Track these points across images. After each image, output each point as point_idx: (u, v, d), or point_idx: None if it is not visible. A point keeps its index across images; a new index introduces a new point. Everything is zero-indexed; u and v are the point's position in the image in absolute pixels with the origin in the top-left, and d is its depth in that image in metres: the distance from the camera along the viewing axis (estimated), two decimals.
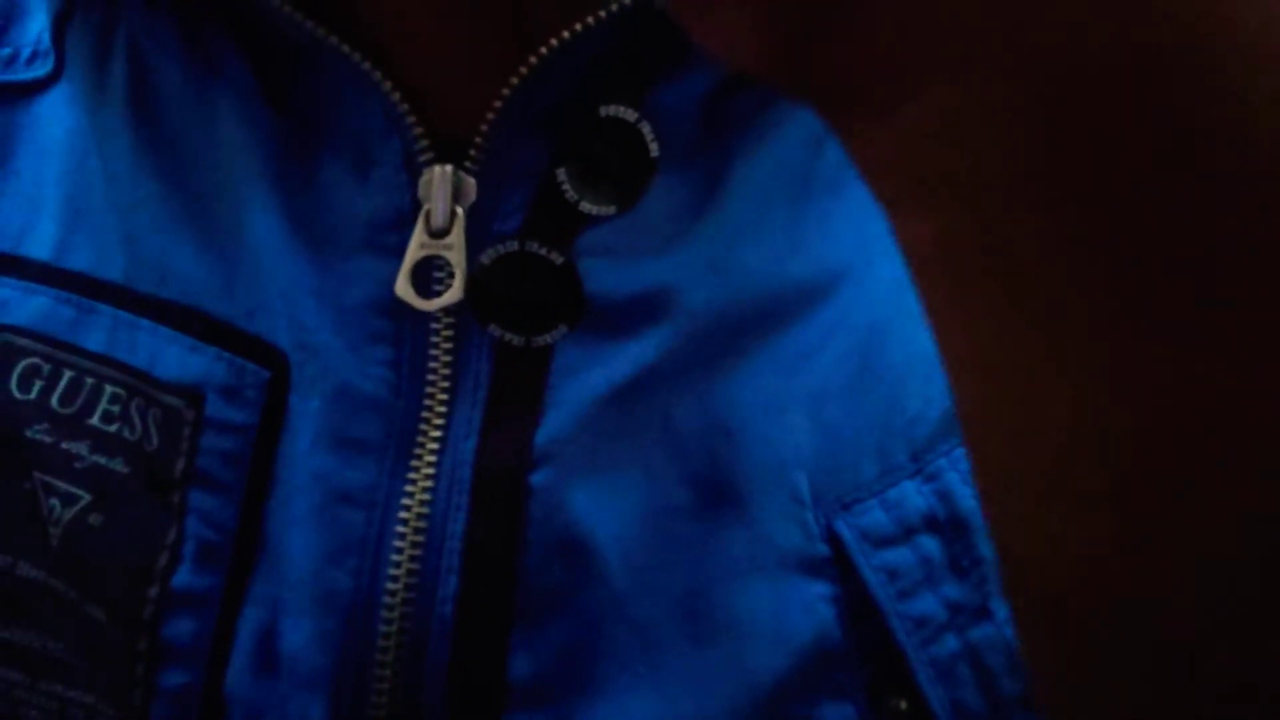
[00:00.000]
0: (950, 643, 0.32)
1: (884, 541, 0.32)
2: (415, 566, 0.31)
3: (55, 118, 0.35)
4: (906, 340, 0.32)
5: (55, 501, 0.32)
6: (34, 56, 0.36)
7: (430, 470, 0.32)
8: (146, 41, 0.34)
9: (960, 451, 0.32)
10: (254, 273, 0.33)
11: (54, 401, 0.33)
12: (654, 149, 0.32)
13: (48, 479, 0.33)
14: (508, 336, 0.32)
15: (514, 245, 0.32)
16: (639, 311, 0.32)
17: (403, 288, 0.31)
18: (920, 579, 0.32)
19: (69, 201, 0.34)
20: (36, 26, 0.36)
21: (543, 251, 0.31)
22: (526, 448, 0.32)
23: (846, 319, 0.33)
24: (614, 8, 0.30)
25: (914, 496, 0.32)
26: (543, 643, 0.32)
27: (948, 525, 0.32)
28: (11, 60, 0.36)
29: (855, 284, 0.33)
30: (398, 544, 0.32)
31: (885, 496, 0.32)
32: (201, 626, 0.32)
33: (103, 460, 0.33)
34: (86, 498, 0.32)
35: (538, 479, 0.31)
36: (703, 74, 0.32)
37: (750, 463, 0.32)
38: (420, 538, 0.32)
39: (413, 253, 0.32)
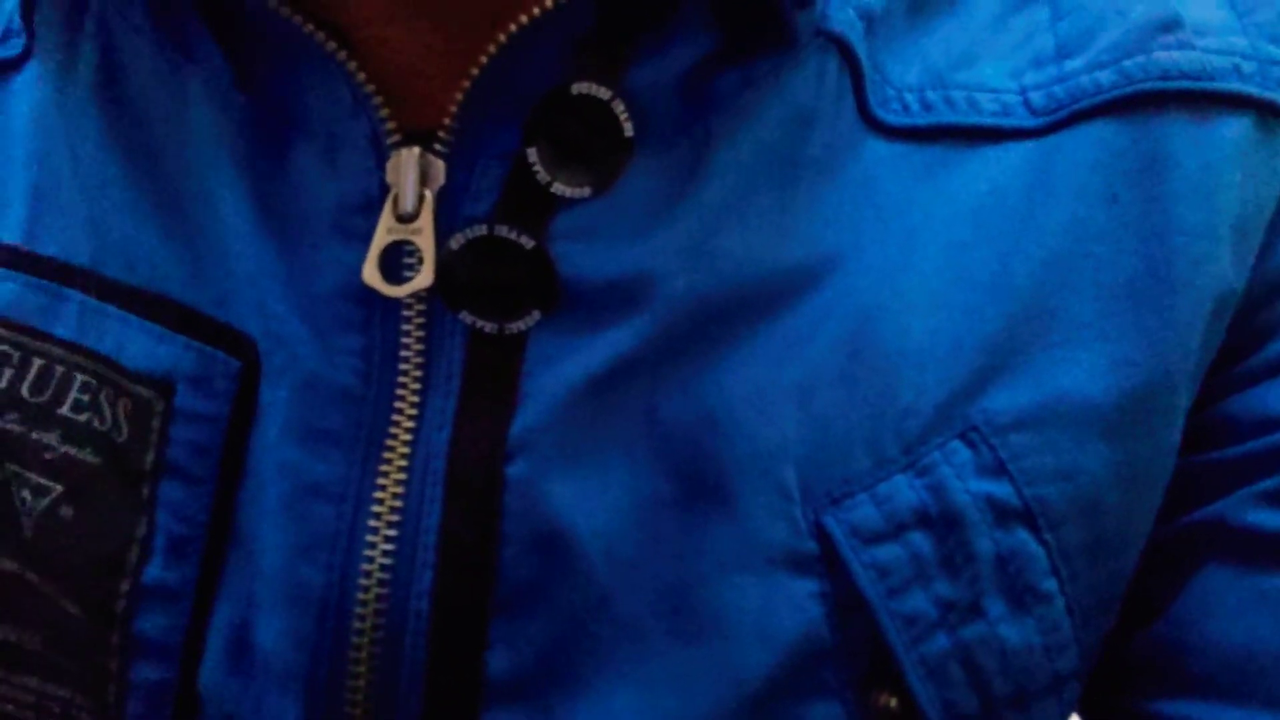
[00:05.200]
0: (941, 641, 0.31)
1: (874, 538, 0.31)
2: (389, 561, 0.31)
3: (24, 98, 0.34)
4: (899, 329, 0.31)
5: (26, 493, 0.32)
6: (6, 35, 0.35)
7: (403, 462, 0.31)
8: (117, 22, 0.33)
9: (954, 445, 0.31)
10: (222, 259, 0.32)
11: (24, 390, 0.32)
12: (628, 129, 0.30)
13: (19, 470, 0.32)
14: (480, 323, 0.31)
15: (483, 229, 0.30)
16: (616, 298, 0.31)
17: (370, 273, 0.30)
18: (911, 576, 0.31)
19: (36, 184, 0.33)
20: (8, 5, 0.35)
21: (512, 235, 0.30)
22: (501, 439, 0.31)
23: (837, 306, 0.31)
24: None
25: (905, 491, 0.31)
26: (522, 638, 0.31)
27: (940, 521, 0.31)
28: None
29: (846, 270, 0.31)
30: (370, 538, 0.31)
31: (876, 491, 0.31)
32: (174, 621, 0.32)
33: (73, 451, 0.32)
34: (57, 489, 0.32)
35: (514, 470, 0.30)
36: (680, 53, 0.31)
37: (736, 456, 0.31)
38: (394, 531, 0.31)
39: (380, 237, 0.30)
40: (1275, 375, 0.32)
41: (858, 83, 0.32)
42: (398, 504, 0.31)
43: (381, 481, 0.31)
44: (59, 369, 0.32)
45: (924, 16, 0.33)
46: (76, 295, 0.32)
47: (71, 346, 0.32)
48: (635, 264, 0.31)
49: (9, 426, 0.32)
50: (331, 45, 0.30)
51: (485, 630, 0.31)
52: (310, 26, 0.30)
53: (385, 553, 0.31)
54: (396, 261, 0.31)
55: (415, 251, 0.31)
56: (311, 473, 0.31)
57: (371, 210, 0.31)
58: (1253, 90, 0.32)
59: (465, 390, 0.31)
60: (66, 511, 0.32)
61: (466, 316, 0.31)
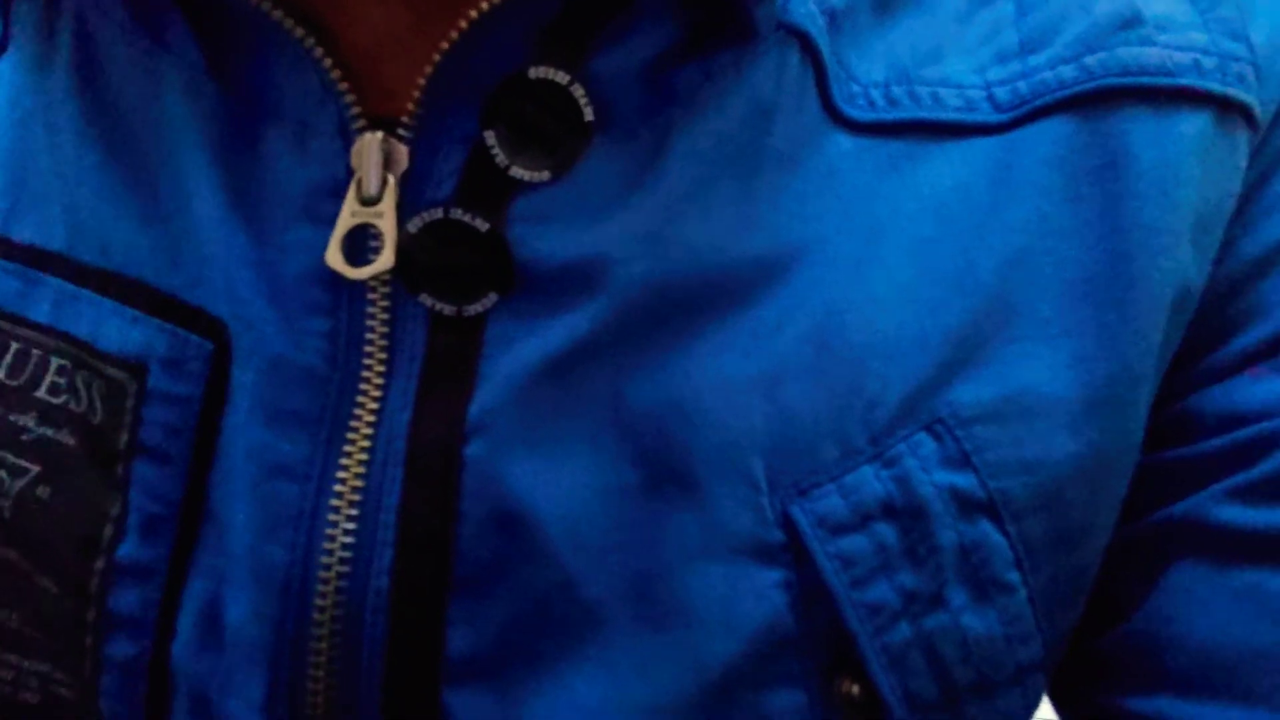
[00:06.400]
0: (904, 630, 0.31)
1: (840, 528, 0.31)
2: (350, 540, 0.31)
3: (1, 87, 0.34)
4: (865, 322, 0.31)
5: (4, 473, 0.33)
6: None
7: (366, 443, 0.31)
8: (92, 11, 0.33)
9: (920, 436, 0.31)
10: (196, 244, 0.33)
11: (1, 373, 0.33)
12: (588, 113, 0.30)
13: None
14: (439, 306, 0.31)
15: (439, 212, 0.31)
16: (573, 281, 0.31)
17: (333, 256, 0.31)
18: (875, 566, 0.31)
19: (12, 172, 0.34)
20: None
21: (468, 218, 0.31)
22: (459, 419, 0.31)
23: (803, 299, 0.31)
24: None
25: (872, 482, 0.31)
26: (483, 617, 0.31)
27: (905, 512, 0.31)
28: None
29: (812, 263, 0.32)
30: (332, 518, 0.31)
31: (843, 481, 0.31)
32: (147, 598, 0.32)
33: (50, 432, 0.33)
34: (34, 470, 0.33)
35: (471, 451, 0.31)
36: (643, 43, 0.31)
37: (703, 445, 0.31)
38: (355, 511, 0.31)
39: (343, 221, 0.31)
40: (1240, 370, 0.32)
41: (820, 76, 0.32)
42: (359, 484, 0.31)
43: (344, 462, 0.31)
44: (36, 352, 0.33)
45: (889, 12, 0.33)
46: (52, 280, 0.33)
47: (48, 330, 0.33)
48: (592, 248, 0.31)
49: None
50: (299, 33, 0.30)
51: (444, 609, 0.31)
52: (279, 13, 0.30)
53: (347, 531, 0.31)
54: (362, 245, 0.31)
55: (379, 235, 0.31)
56: (277, 453, 0.31)
57: (339, 195, 0.31)
58: (1212, 86, 0.32)
59: (426, 372, 0.31)
60: (43, 491, 0.33)
61: (426, 299, 0.31)
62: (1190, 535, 0.32)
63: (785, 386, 0.31)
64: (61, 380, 0.33)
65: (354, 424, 0.31)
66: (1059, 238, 0.32)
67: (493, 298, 0.31)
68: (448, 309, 0.31)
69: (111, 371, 0.32)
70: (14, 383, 0.33)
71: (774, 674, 0.31)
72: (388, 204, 0.31)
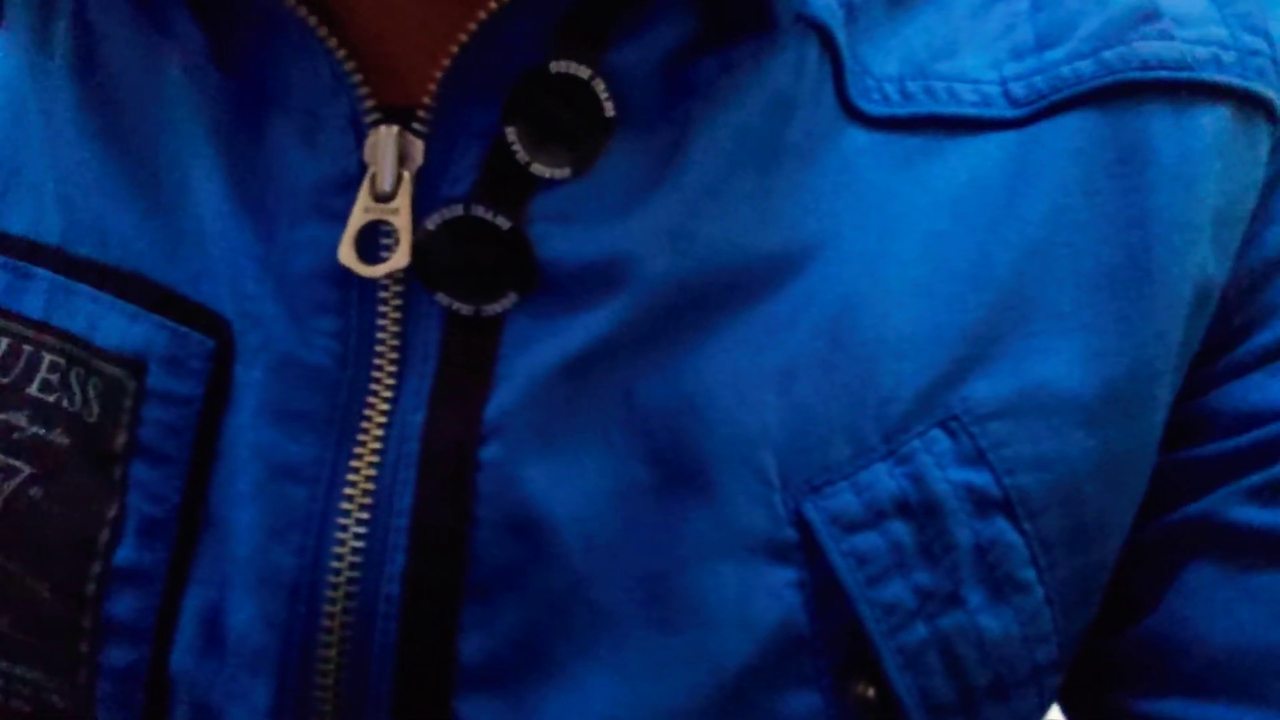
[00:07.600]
0: (920, 630, 0.31)
1: (853, 526, 0.30)
2: (361, 544, 0.30)
3: None
4: (879, 318, 0.31)
5: None
6: None
7: (377, 445, 0.31)
8: None
9: (934, 433, 0.31)
10: (198, 239, 0.32)
11: None
12: (609, 108, 0.30)
13: None
14: (456, 305, 0.30)
15: (459, 209, 0.30)
16: (594, 280, 0.30)
17: (345, 253, 0.30)
18: (890, 564, 0.30)
19: (3, 162, 0.33)
20: None
21: (489, 216, 0.30)
22: (475, 421, 0.30)
23: (817, 294, 0.31)
24: None
25: (885, 479, 0.31)
26: (496, 623, 0.30)
27: (920, 510, 0.31)
28: None
29: (826, 258, 0.31)
30: (342, 521, 0.30)
31: (856, 479, 0.31)
32: (145, 603, 0.31)
33: (42, 431, 0.31)
34: (26, 470, 0.31)
35: (487, 453, 0.30)
36: (662, 35, 0.31)
37: (715, 442, 0.30)
38: (366, 514, 0.30)
39: (356, 217, 0.30)
40: (1259, 368, 0.32)
41: (837, 71, 0.32)
42: (370, 486, 0.30)
43: (355, 464, 0.30)
44: (26, 348, 0.32)
45: (904, 6, 0.33)
46: (45, 274, 0.32)
47: (40, 325, 0.32)
48: (614, 246, 0.30)
49: None
50: (313, 21, 0.30)
51: (457, 615, 0.30)
52: (291, 1, 0.29)
53: (357, 535, 0.30)
54: (374, 242, 0.30)
55: (393, 232, 0.30)
56: (285, 454, 0.31)
57: (350, 190, 0.30)
58: (1232, 80, 0.32)
59: (441, 373, 0.31)
60: (35, 493, 0.31)
61: (443, 298, 0.30)
62: (1205, 536, 0.32)
63: (798, 382, 0.31)
64: (54, 377, 0.32)
65: (364, 425, 0.31)
66: (1077, 231, 0.31)
67: (513, 297, 0.30)
68: (465, 309, 0.30)
69: (109, 369, 0.31)
70: (4, 379, 0.32)
71: (788, 675, 0.31)
72: (403, 200, 0.30)
